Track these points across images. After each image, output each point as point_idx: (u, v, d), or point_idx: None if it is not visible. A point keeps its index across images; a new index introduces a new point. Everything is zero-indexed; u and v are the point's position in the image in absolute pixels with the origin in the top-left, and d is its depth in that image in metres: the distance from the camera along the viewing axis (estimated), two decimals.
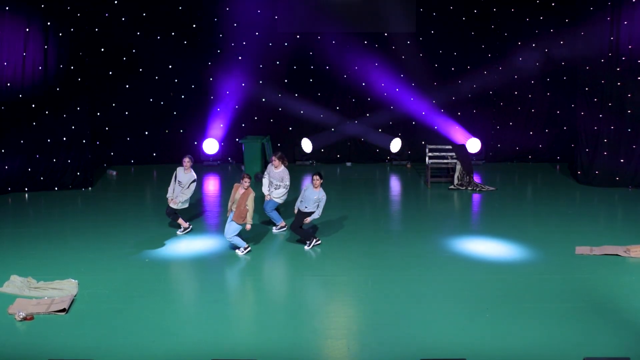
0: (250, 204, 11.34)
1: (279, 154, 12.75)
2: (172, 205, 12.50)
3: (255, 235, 12.55)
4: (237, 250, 11.64)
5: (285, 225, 12.94)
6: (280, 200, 12.67)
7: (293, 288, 10.46)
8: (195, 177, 12.61)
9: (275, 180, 12.57)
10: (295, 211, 12.03)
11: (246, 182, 11.41)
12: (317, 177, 11.74)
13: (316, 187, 11.75)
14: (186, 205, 12.68)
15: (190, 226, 12.90)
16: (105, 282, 10.42)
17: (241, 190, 11.43)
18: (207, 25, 18.48)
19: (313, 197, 11.75)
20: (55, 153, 16.01)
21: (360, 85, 18.98)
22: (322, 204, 11.84)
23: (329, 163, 19.29)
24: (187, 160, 12.53)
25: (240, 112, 18.95)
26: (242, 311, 9.65)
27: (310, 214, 11.80)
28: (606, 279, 10.43)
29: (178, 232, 12.79)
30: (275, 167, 12.63)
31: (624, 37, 15.96)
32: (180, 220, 12.77)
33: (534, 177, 17.74)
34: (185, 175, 12.54)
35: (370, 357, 8.16)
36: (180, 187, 12.49)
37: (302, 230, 11.95)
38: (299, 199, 12.01)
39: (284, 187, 12.56)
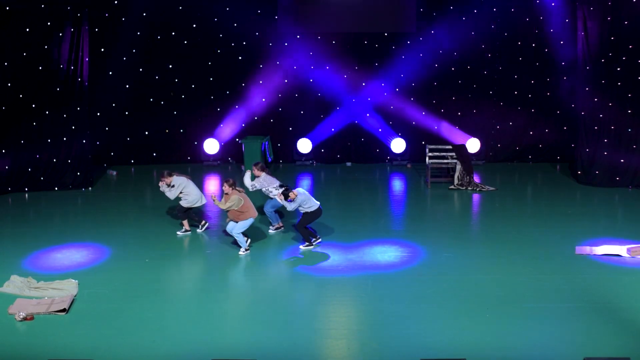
0: (233, 202, 11.38)
1: (259, 164, 12.71)
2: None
3: (254, 235, 12.55)
4: (239, 251, 11.69)
5: (283, 226, 12.96)
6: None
7: (293, 288, 10.46)
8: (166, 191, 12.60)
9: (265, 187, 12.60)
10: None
11: (225, 187, 11.49)
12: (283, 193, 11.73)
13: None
14: (185, 205, 12.68)
15: (190, 231, 12.92)
16: (105, 282, 10.42)
17: (227, 196, 11.52)
18: (207, 25, 18.48)
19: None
20: (55, 153, 16.01)
21: (360, 85, 18.99)
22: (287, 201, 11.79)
23: (329, 163, 19.29)
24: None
25: (240, 112, 18.96)
26: (242, 311, 9.64)
27: (311, 212, 11.78)
28: (606, 279, 10.42)
29: (178, 233, 12.80)
30: (257, 176, 12.64)
31: (624, 37, 15.98)
32: (185, 222, 12.83)
33: (534, 177, 17.74)
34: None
35: (370, 357, 8.16)
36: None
37: (304, 230, 11.95)
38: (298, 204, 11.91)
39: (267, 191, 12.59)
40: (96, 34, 17.65)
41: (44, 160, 15.94)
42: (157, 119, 18.83)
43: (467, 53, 18.72)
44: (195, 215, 13.03)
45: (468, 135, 18.95)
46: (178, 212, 12.88)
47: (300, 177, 17.62)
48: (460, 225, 13.54)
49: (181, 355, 8.15)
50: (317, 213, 11.85)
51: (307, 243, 11.93)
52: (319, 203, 11.88)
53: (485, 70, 18.81)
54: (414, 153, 19.07)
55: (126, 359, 8.10)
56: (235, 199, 11.40)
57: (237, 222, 11.51)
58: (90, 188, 16.35)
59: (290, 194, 11.65)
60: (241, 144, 17.64)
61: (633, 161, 16.12)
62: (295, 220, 12.75)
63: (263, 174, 12.57)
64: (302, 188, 12.31)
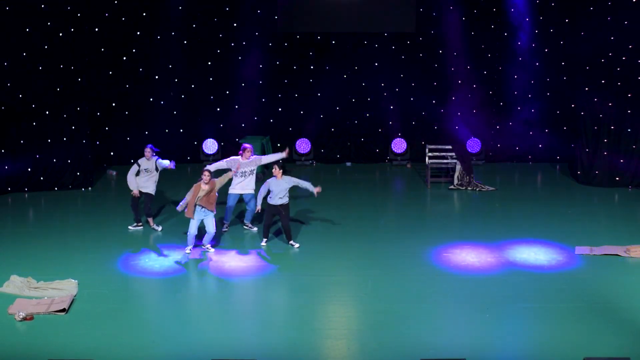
0: (218, 186, 11.56)
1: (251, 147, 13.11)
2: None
3: (252, 235, 12.55)
4: (207, 246, 11.74)
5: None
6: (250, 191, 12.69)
7: (292, 288, 10.46)
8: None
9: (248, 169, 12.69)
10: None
11: (206, 175, 11.40)
12: (276, 167, 11.86)
13: (279, 178, 11.77)
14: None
15: (161, 227, 13.01)
16: (105, 282, 10.42)
17: (205, 186, 11.37)
18: (207, 26, 18.48)
19: (283, 187, 11.77)
20: (55, 153, 16.00)
21: (360, 85, 18.98)
22: (299, 181, 11.97)
23: (329, 163, 19.29)
24: (147, 150, 13.02)
25: (240, 112, 18.95)
26: (242, 311, 9.65)
27: (282, 205, 11.78)
28: (606, 279, 10.43)
29: (130, 227, 12.95)
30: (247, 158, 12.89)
31: (624, 37, 15.98)
32: (150, 220, 12.96)
33: (534, 177, 17.74)
34: (149, 162, 12.96)
35: (370, 357, 8.16)
36: (147, 174, 12.85)
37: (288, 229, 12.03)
38: (263, 195, 11.89)
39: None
40: (97, 34, 17.65)
41: (43, 160, 15.94)
42: (157, 119, 18.81)
43: (467, 53, 18.72)
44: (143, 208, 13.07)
45: (468, 135, 18.95)
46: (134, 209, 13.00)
47: (300, 177, 17.57)
48: (460, 225, 13.55)
49: (181, 355, 8.16)
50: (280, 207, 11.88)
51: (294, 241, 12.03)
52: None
53: (485, 70, 18.81)
54: (414, 153, 19.07)
55: (126, 359, 8.10)
56: (217, 184, 11.58)
57: (208, 211, 11.42)
58: (90, 188, 16.34)
59: (278, 172, 11.71)
60: (241, 144, 17.62)
61: (633, 161, 16.12)
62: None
63: (252, 157, 12.82)
64: None
